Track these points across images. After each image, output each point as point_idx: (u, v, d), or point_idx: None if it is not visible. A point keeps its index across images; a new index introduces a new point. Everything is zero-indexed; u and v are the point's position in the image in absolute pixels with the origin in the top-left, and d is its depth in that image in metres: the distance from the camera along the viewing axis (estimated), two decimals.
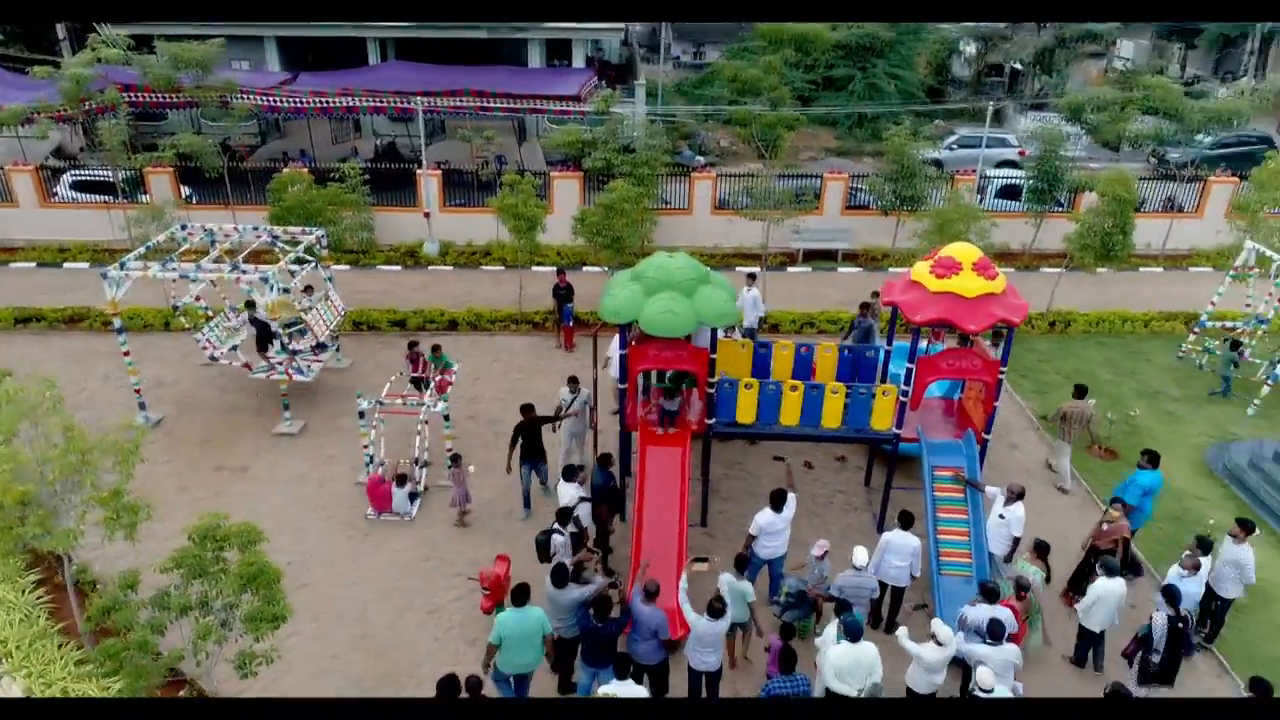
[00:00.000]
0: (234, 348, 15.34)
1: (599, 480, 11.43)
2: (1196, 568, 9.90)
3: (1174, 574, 9.99)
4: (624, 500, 12.04)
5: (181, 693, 9.75)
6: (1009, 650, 8.77)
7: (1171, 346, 18.04)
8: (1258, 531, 11.03)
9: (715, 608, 8.84)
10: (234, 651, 7.78)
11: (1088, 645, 10.30)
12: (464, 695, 7.89)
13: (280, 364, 14.48)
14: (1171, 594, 9.34)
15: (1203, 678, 10.37)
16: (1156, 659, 9.31)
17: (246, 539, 7.54)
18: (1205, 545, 10.25)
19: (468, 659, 10.24)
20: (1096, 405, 13.88)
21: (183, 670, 9.54)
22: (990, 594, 9.32)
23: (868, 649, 8.62)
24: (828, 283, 21.15)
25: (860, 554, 9.77)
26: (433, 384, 13.72)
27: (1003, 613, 9.14)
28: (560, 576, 9.31)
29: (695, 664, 9.15)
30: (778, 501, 10.49)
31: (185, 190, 22.38)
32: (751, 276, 16.66)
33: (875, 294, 17.44)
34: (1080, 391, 13.50)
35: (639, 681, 8.37)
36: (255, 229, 16.04)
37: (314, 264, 15.97)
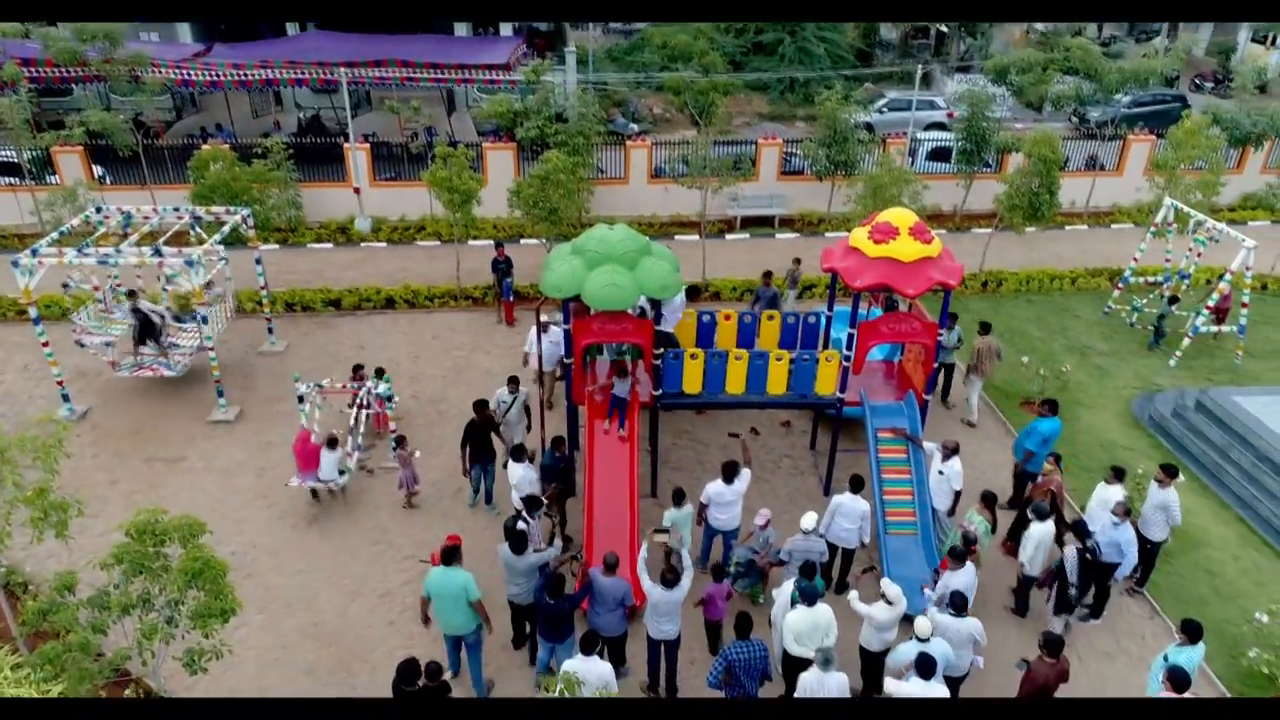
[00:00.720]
0: (109, 344, 14.50)
1: (548, 461, 11.34)
2: (1128, 513, 10.22)
3: (1107, 523, 10.28)
4: (574, 480, 11.94)
5: (127, 692, 9.49)
6: (971, 624, 8.80)
7: (1097, 302, 18.65)
8: (1181, 477, 11.53)
9: (668, 578, 8.91)
10: (181, 649, 7.56)
11: (1028, 594, 10.69)
12: (423, 681, 7.80)
13: (150, 356, 14.20)
14: (1080, 528, 9.97)
15: (1135, 620, 10.85)
16: (1074, 592, 9.85)
17: (188, 533, 7.29)
18: (1119, 473, 10.76)
19: (423, 642, 10.15)
20: (1000, 341, 14.55)
21: (128, 670, 9.27)
22: (959, 556, 9.42)
23: (824, 612, 8.80)
24: (766, 249, 21.27)
25: (808, 518, 9.93)
26: (369, 415, 13.40)
27: (964, 579, 9.30)
28: (518, 543, 9.31)
29: (654, 633, 9.23)
30: (729, 473, 10.58)
31: (98, 170, 21.35)
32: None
33: (797, 261, 17.61)
34: (985, 328, 14.15)
35: (601, 655, 8.40)
36: (176, 210, 15.41)
37: (223, 262, 15.29)
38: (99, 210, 15.03)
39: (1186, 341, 16.30)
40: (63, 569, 7.71)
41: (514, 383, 12.59)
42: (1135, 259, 17.78)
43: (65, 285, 14.97)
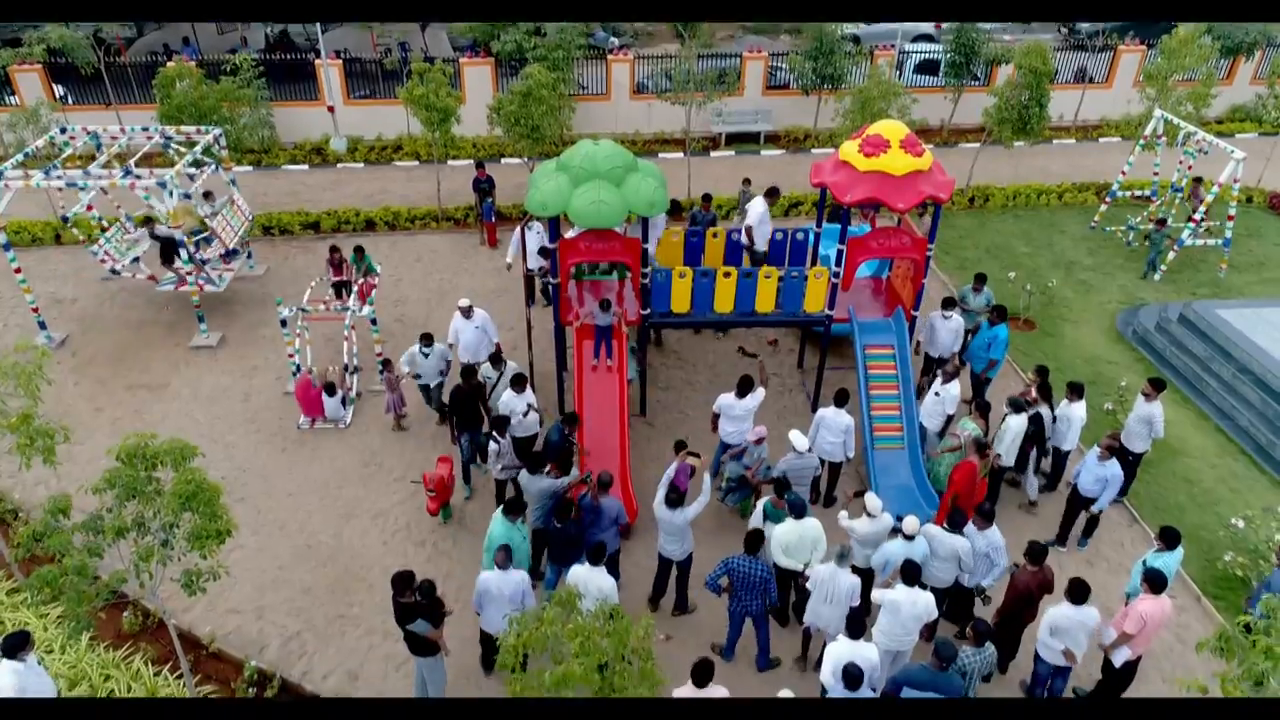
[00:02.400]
0: (136, 259, 14.38)
1: (554, 438, 10.43)
2: (1113, 452, 10.03)
3: (1091, 459, 10.11)
4: (571, 461, 10.54)
5: (125, 614, 9.58)
6: (959, 542, 8.75)
7: (1084, 217, 18.59)
8: (1165, 390, 11.67)
9: (671, 498, 8.96)
10: (177, 570, 7.58)
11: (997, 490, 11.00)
12: (417, 598, 7.88)
13: (189, 274, 13.68)
14: (1016, 403, 10.61)
15: (1115, 528, 11.11)
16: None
17: (179, 456, 7.23)
18: (1077, 389, 10.84)
19: (418, 560, 10.27)
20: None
21: (125, 592, 9.33)
22: (988, 515, 9.11)
23: (811, 525, 8.92)
24: (752, 166, 20.90)
25: (800, 439, 9.96)
26: (356, 288, 13.21)
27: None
28: (536, 463, 9.38)
29: (663, 551, 9.37)
30: (743, 388, 10.62)
31: (59, 90, 20.53)
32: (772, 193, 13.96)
33: (746, 181, 17.02)
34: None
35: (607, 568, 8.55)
36: (145, 130, 14.90)
37: (214, 166, 14.98)
38: (64, 131, 14.51)
39: (1171, 255, 16.32)
40: (57, 494, 7.66)
41: (498, 359, 11.53)
42: (1123, 173, 17.66)
43: (65, 219, 14.42)
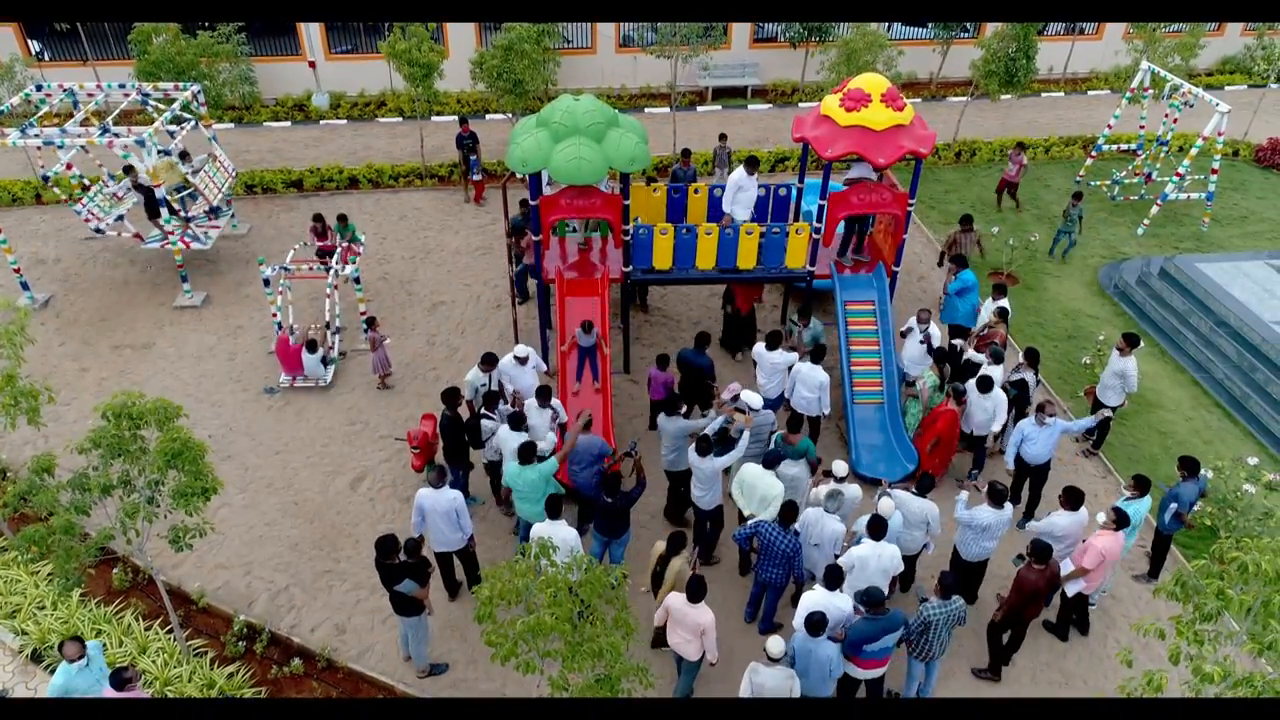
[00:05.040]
0: (120, 218, 14.30)
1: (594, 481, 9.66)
2: (1049, 416, 10.02)
3: (1027, 425, 10.09)
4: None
5: (115, 570, 9.74)
6: (927, 506, 8.84)
7: (1070, 171, 18.56)
8: (1142, 345, 11.79)
9: (701, 447, 9.04)
10: (164, 527, 7.72)
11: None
12: (403, 558, 8.02)
13: (174, 232, 13.62)
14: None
15: (1089, 480, 11.29)
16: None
17: (164, 415, 7.32)
18: (997, 356, 10.80)
19: (403, 517, 10.41)
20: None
21: (114, 549, 9.49)
22: (999, 496, 8.89)
23: (770, 480, 8.98)
24: (739, 120, 20.81)
25: (753, 398, 9.94)
26: (338, 254, 13.17)
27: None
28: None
29: (694, 498, 9.52)
30: (772, 340, 10.88)
31: (34, 45, 20.21)
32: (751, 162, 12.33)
33: (723, 136, 16.80)
34: (966, 220, 13.76)
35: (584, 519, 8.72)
36: (123, 87, 14.72)
37: (193, 123, 14.83)
38: (39, 89, 14.33)
39: (1155, 209, 16.36)
40: (42, 454, 7.76)
41: (490, 362, 10.48)
42: (1109, 126, 17.60)
43: (45, 178, 14.28)
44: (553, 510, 8.35)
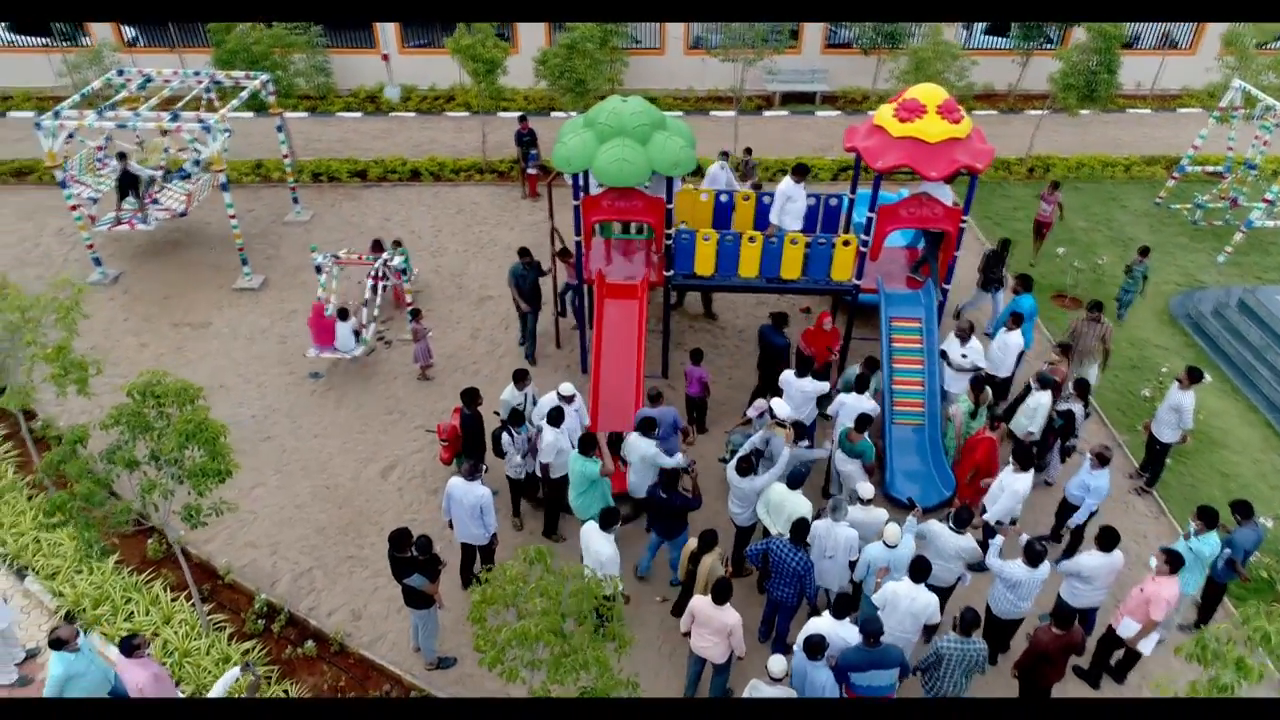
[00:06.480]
0: (94, 200, 14.58)
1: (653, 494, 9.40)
2: (1103, 461, 9.34)
3: (1085, 465, 9.47)
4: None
5: (150, 540, 10.07)
6: (964, 541, 8.38)
7: (1150, 192, 17.71)
8: (1207, 379, 11.13)
9: (742, 467, 8.91)
10: (185, 504, 7.93)
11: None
12: (413, 553, 8.07)
13: (128, 211, 14.31)
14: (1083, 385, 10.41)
15: (1139, 519, 10.73)
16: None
17: (185, 396, 7.52)
18: (1045, 382, 10.40)
19: (429, 508, 10.52)
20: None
21: (149, 521, 9.79)
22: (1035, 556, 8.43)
23: (795, 498, 8.76)
24: (805, 127, 20.47)
25: (781, 407, 9.67)
26: (388, 285, 13.48)
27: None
28: (646, 428, 9.36)
29: (730, 514, 9.43)
30: (802, 367, 10.59)
31: (130, 32, 21.14)
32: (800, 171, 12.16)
33: (748, 150, 16.17)
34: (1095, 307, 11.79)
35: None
36: (196, 74, 15.25)
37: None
38: (120, 74, 14.95)
39: (1239, 236, 15.46)
40: (79, 425, 8.07)
41: (522, 378, 10.19)
42: (1195, 146, 16.72)
43: (121, 155, 14.89)
44: (606, 523, 8.21)
